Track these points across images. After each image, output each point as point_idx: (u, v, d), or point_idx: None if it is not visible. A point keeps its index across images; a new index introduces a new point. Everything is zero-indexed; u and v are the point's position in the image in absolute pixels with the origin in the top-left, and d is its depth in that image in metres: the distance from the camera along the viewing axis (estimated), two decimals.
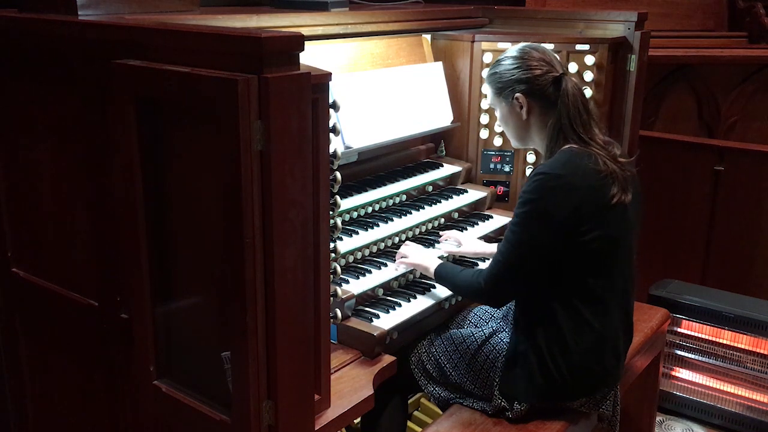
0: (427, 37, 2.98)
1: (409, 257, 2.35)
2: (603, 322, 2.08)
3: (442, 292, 2.36)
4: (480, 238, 2.64)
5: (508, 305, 2.34)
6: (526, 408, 2.11)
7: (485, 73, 2.86)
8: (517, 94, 2.14)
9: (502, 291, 2.11)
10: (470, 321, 2.47)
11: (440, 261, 2.30)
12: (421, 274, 2.43)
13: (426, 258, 2.33)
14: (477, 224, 2.76)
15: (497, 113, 2.26)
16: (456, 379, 2.23)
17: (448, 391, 2.26)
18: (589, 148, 2.04)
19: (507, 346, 2.17)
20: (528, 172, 2.94)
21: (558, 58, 2.18)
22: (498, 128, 2.93)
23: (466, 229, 2.69)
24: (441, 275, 2.26)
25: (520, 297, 2.13)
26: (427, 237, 2.61)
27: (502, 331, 2.25)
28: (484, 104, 2.92)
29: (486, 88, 2.26)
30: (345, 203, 2.38)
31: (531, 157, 2.93)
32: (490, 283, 2.07)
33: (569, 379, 2.07)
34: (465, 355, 2.22)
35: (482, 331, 2.28)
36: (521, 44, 2.20)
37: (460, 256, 2.57)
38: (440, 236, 2.59)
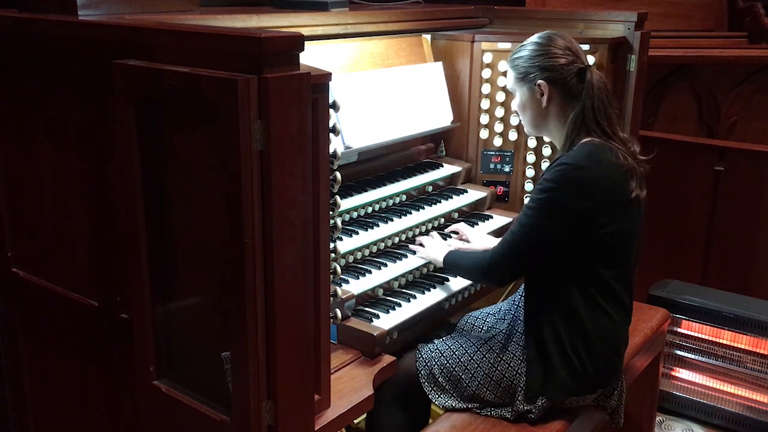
0: (427, 37, 2.98)
1: (424, 249, 2.41)
2: (617, 311, 2.11)
3: (441, 292, 2.36)
4: None
5: (514, 303, 2.33)
6: (548, 405, 2.10)
7: (484, 70, 2.88)
8: (540, 81, 2.13)
9: (505, 270, 2.13)
10: (471, 323, 2.46)
11: (449, 249, 2.33)
12: (421, 273, 2.44)
13: (436, 249, 2.37)
14: (477, 224, 2.76)
15: (516, 98, 2.25)
16: (474, 390, 2.18)
17: (464, 401, 2.20)
18: (610, 142, 2.05)
19: (526, 350, 2.14)
20: (528, 172, 2.94)
21: (581, 48, 2.17)
22: (498, 128, 2.93)
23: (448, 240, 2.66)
24: (449, 261, 2.29)
25: (535, 289, 2.13)
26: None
27: (516, 333, 2.21)
28: (484, 104, 2.92)
29: (507, 72, 2.25)
30: (345, 203, 2.39)
31: (531, 158, 2.93)
32: (495, 261, 2.11)
33: (591, 371, 2.08)
34: (482, 365, 2.18)
35: (496, 338, 2.24)
36: (547, 31, 2.18)
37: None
38: (447, 229, 2.62)
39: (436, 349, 2.27)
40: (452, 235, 2.61)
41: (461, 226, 2.63)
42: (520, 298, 2.27)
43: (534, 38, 2.17)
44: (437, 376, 2.23)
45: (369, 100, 2.55)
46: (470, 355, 2.21)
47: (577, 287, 2.06)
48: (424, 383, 2.24)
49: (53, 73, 1.99)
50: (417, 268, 2.43)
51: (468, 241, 2.54)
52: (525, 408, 2.11)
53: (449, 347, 2.26)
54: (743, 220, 3.75)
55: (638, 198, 2.05)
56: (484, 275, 2.20)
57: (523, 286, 2.22)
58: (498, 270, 2.13)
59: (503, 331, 2.27)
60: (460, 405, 2.21)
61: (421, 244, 2.46)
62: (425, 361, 2.26)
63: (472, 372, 2.19)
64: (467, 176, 2.98)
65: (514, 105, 2.27)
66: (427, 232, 2.64)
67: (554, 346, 2.08)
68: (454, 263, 2.29)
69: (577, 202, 1.98)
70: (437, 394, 2.23)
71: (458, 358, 2.22)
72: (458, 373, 2.20)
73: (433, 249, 2.39)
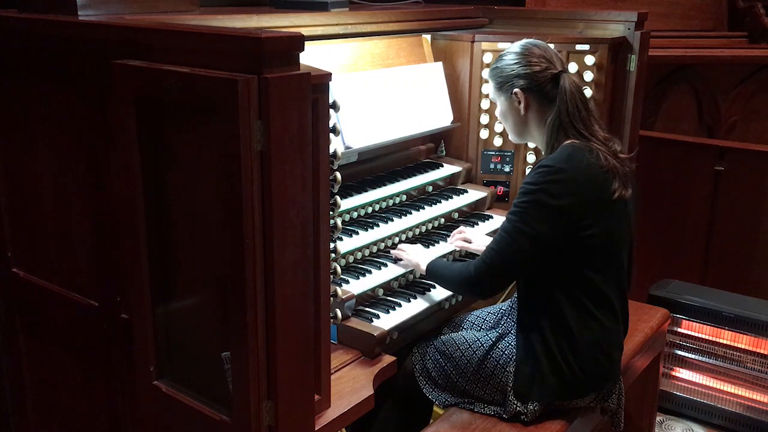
0: (427, 37, 2.98)
1: (406, 254, 2.35)
2: (607, 315, 2.10)
3: (442, 292, 2.36)
4: None
5: (511, 306, 2.33)
6: (540, 409, 2.11)
7: (484, 70, 2.88)
8: (516, 90, 2.16)
9: (492, 280, 2.09)
10: (471, 322, 2.46)
11: (432, 258, 2.30)
12: (421, 274, 2.43)
13: (419, 256, 2.33)
14: (477, 224, 2.76)
15: (497, 107, 2.29)
16: (464, 386, 2.20)
17: (456, 396, 2.23)
18: (590, 144, 2.06)
19: (516, 350, 2.16)
20: (528, 172, 2.93)
21: (559, 55, 2.20)
22: (498, 128, 2.93)
23: (448, 241, 2.63)
24: (431, 271, 2.25)
25: (524, 293, 2.14)
26: (427, 237, 2.61)
27: (508, 334, 2.23)
28: (484, 104, 2.92)
29: (488, 82, 2.30)
30: (345, 203, 2.38)
31: (531, 157, 2.93)
32: (482, 271, 2.06)
33: (580, 375, 2.08)
34: (472, 361, 2.21)
35: (488, 335, 2.27)
36: (524, 40, 2.22)
37: (468, 252, 2.57)
38: (450, 233, 2.60)
39: (431, 345, 2.30)
40: (453, 235, 2.60)
41: (462, 230, 2.60)
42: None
43: (512, 48, 2.21)
44: (431, 371, 2.26)
45: (369, 100, 2.55)
46: (462, 352, 2.23)
47: (564, 291, 2.06)
48: (418, 377, 2.28)
49: (53, 73, 1.99)
50: None
51: (470, 242, 2.54)
52: (518, 408, 2.11)
53: (444, 343, 2.28)
54: (743, 220, 3.75)
55: (623, 198, 2.05)
56: (469, 287, 2.14)
57: None
58: (484, 281, 2.08)
59: (497, 330, 2.29)
60: (454, 400, 2.23)
61: (401, 251, 2.38)
62: (420, 356, 2.30)
63: (463, 368, 2.21)
64: (467, 176, 2.98)
65: (497, 114, 2.32)
66: (427, 233, 2.65)
67: (542, 350, 2.08)
68: (437, 273, 2.23)
69: (559, 202, 1.99)
70: (431, 389, 2.26)
71: (451, 354, 2.24)
72: (450, 368, 2.23)
73: (415, 255, 2.33)
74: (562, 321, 2.06)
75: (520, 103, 2.17)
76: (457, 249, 2.55)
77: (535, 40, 2.22)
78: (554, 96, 2.11)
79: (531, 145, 2.90)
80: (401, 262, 2.37)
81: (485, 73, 2.88)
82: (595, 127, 2.11)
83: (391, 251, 2.41)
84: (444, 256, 2.49)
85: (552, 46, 2.25)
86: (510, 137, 2.34)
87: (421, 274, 2.40)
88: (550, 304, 2.07)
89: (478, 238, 2.55)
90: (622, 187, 2.04)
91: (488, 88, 2.30)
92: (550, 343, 2.07)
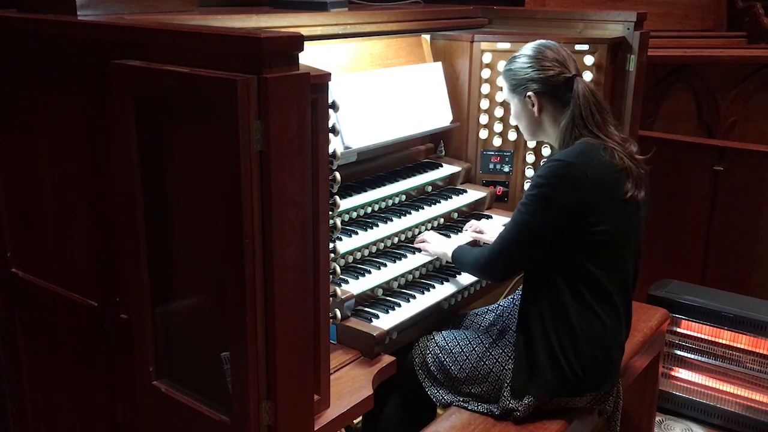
0: (427, 37, 2.98)
1: (430, 245, 2.45)
2: (609, 314, 2.10)
3: (441, 292, 2.36)
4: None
5: (513, 303, 2.34)
6: (534, 404, 2.11)
7: (483, 70, 2.89)
8: (529, 93, 2.19)
9: (501, 267, 2.18)
10: (471, 319, 2.47)
11: (456, 245, 2.38)
12: (420, 273, 2.45)
13: (444, 245, 2.42)
14: None
15: (511, 108, 2.31)
16: (462, 382, 2.22)
17: (453, 394, 2.24)
18: (606, 143, 2.07)
19: (515, 347, 2.17)
20: (528, 172, 2.94)
21: (572, 57, 2.20)
22: (497, 128, 2.93)
23: (463, 232, 2.68)
24: (455, 257, 2.35)
25: (529, 285, 2.15)
26: None
27: (509, 332, 2.24)
28: (484, 104, 2.92)
29: (501, 82, 2.33)
30: (344, 203, 2.39)
31: (530, 157, 2.93)
32: (492, 258, 2.16)
33: (579, 372, 2.08)
34: (471, 357, 2.22)
35: (489, 333, 2.28)
36: (537, 42, 2.22)
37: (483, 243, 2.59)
38: (450, 233, 2.64)
39: (432, 340, 2.32)
40: (467, 229, 2.64)
41: (474, 223, 2.65)
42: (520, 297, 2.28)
43: (525, 50, 2.22)
44: (430, 366, 2.28)
45: (368, 100, 2.55)
46: (461, 348, 2.25)
47: (568, 283, 2.07)
48: (418, 371, 2.30)
49: (53, 73, 1.99)
50: (416, 268, 2.44)
51: (483, 232, 2.58)
52: (510, 405, 2.11)
53: (444, 338, 2.30)
54: (743, 220, 3.75)
55: (635, 199, 2.05)
56: (482, 271, 2.25)
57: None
58: (494, 266, 2.18)
59: (497, 327, 2.31)
60: (451, 398, 2.24)
61: (423, 240, 2.49)
62: (420, 350, 2.32)
63: (461, 364, 2.22)
64: (467, 176, 2.98)
65: (511, 114, 2.34)
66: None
67: (542, 343, 2.09)
68: (459, 259, 2.34)
69: (566, 197, 2.01)
70: (430, 384, 2.28)
71: (450, 349, 2.26)
72: (448, 364, 2.24)
73: (441, 245, 2.43)
74: (565, 315, 2.07)
75: (533, 105, 2.20)
76: (471, 240, 2.59)
77: (548, 41, 2.23)
78: (568, 99, 2.12)
79: (531, 144, 2.91)
80: (424, 252, 2.46)
81: (485, 73, 2.89)
82: (611, 129, 2.12)
83: (415, 242, 2.50)
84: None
85: None
86: (525, 137, 2.37)
87: (433, 268, 2.49)
88: (553, 297, 2.08)
89: (490, 228, 2.60)
90: (635, 188, 2.05)
91: (502, 86, 2.30)
92: (551, 338, 2.07)
